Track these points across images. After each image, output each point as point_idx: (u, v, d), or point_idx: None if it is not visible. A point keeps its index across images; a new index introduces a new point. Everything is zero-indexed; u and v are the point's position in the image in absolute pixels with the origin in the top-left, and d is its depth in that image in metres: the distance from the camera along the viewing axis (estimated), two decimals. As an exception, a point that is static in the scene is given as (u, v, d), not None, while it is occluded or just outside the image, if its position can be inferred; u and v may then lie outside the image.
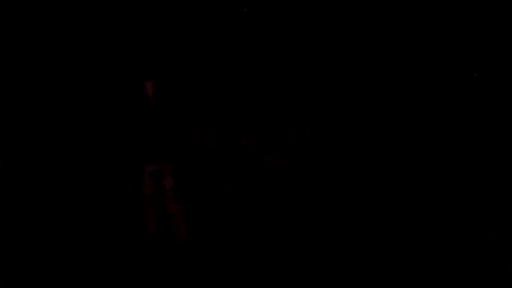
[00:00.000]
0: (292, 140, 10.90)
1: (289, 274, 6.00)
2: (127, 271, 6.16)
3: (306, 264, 6.22)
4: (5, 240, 6.99)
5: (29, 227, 7.50)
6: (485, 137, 11.22)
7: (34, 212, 8.02)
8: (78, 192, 8.44)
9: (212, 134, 10.64)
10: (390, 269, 6.02)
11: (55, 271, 6.17)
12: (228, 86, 13.71)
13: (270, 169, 9.46)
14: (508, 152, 10.39)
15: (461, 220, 7.57)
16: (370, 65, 14.77)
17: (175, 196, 6.72)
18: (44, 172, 9.13)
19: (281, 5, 15.64)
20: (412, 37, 15.05)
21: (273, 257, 6.47)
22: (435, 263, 6.15)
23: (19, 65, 14.82)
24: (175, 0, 15.79)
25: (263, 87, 13.90)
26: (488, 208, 7.99)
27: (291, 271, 6.07)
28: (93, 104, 12.24)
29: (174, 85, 6.89)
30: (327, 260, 6.32)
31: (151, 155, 6.64)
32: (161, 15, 15.73)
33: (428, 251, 6.50)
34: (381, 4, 14.92)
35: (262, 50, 15.85)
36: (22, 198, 8.40)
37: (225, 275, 6.00)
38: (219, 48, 15.76)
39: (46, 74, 13.98)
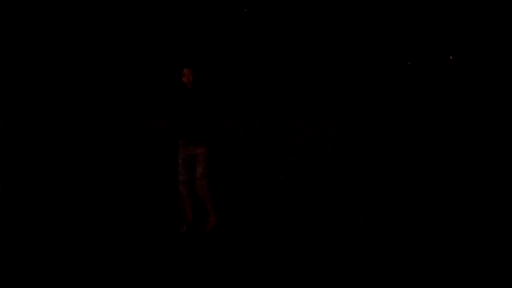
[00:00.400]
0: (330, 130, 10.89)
1: (320, 267, 6.01)
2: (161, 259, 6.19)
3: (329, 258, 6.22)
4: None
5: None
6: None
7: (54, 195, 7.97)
8: (111, 176, 8.39)
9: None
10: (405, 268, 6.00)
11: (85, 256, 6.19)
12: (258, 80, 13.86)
13: (304, 156, 9.39)
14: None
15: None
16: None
17: (207, 182, 6.77)
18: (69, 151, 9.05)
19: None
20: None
21: (305, 249, 6.47)
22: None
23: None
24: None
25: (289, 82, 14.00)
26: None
27: (320, 265, 6.07)
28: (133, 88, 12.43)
29: (208, 73, 7.07)
30: (353, 256, 6.29)
31: (186, 139, 6.73)
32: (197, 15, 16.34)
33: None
34: None
35: (295, 43, 16.00)
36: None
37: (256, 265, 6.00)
38: (248, 39, 16.01)
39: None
